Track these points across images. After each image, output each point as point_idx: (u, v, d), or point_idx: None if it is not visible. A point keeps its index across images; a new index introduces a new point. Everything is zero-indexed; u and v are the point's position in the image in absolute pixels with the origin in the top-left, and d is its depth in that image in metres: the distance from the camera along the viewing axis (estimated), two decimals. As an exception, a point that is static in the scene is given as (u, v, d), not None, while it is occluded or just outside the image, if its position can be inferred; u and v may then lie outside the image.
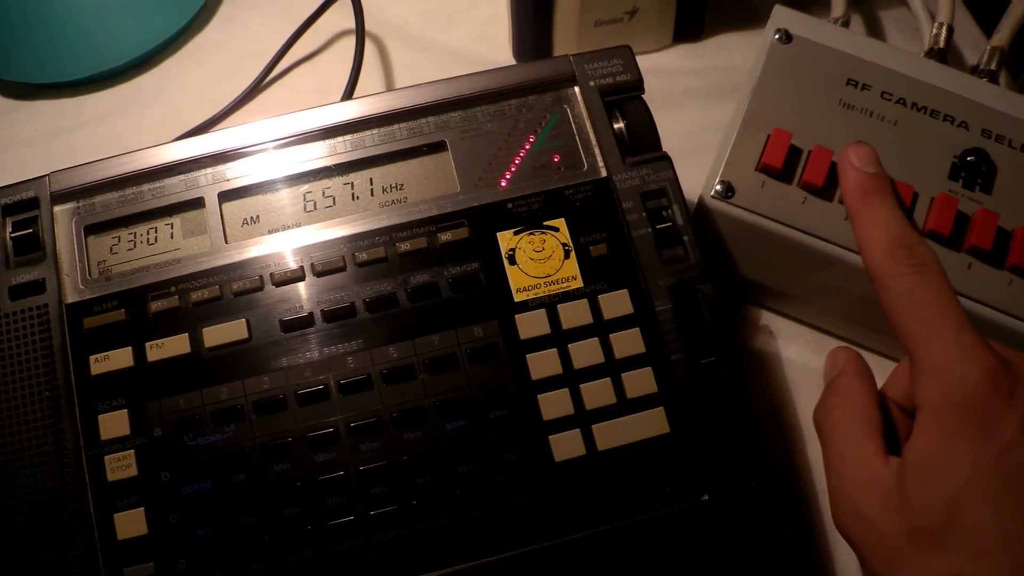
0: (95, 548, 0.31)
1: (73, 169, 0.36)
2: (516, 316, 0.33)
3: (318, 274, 0.34)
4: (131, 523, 0.31)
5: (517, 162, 0.36)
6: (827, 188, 0.36)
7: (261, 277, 0.34)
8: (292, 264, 0.34)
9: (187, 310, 0.34)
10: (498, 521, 0.31)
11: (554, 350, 0.33)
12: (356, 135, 0.36)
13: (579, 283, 0.34)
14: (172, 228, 0.35)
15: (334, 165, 0.36)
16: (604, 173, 0.36)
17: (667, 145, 0.37)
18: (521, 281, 0.34)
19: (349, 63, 0.48)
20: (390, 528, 0.31)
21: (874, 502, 0.29)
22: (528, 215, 0.35)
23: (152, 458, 0.32)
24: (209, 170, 0.36)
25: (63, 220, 0.35)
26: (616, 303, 0.34)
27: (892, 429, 0.31)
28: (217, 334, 0.33)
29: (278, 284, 0.34)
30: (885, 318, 0.30)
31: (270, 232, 0.35)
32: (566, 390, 0.33)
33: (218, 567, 0.31)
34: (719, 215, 0.38)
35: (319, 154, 0.36)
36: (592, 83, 0.37)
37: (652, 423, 0.32)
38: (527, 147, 0.36)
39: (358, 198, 0.36)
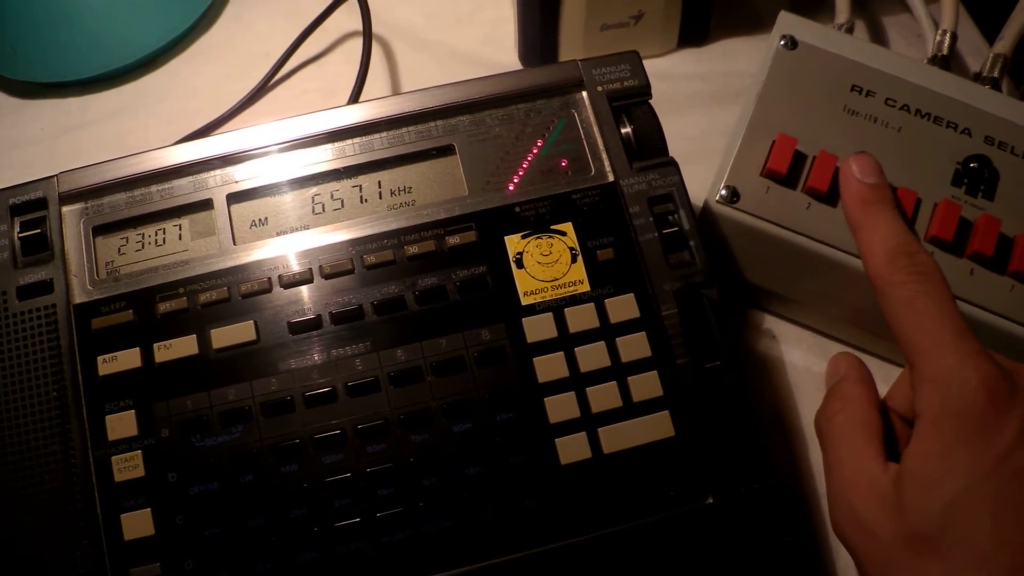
0: (102, 548, 0.31)
1: (82, 169, 0.36)
2: (523, 319, 0.34)
3: (326, 276, 0.34)
4: (138, 523, 0.31)
5: (525, 166, 0.36)
6: (831, 193, 0.37)
7: (269, 279, 0.34)
8: (300, 266, 0.34)
9: (195, 311, 0.34)
10: (504, 523, 0.32)
11: (561, 353, 0.33)
12: (365, 138, 0.37)
13: (586, 287, 0.34)
14: (180, 229, 0.35)
15: (343, 168, 0.36)
16: (611, 178, 0.36)
17: (671, 149, 0.37)
18: (528, 285, 0.34)
19: (355, 64, 0.48)
20: (397, 530, 0.31)
21: (872, 507, 0.29)
22: (536, 219, 0.35)
23: (159, 459, 0.32)
24: (218, 172, 0.36)
25: (71, 220, 0.35)
26: (623, 307, 0.34)
27: (893, 438, 0.31)
28: (225, 335, 0.33)
29: (286, 286, 0.34)
30: (887, 324, 0.30)
31: (278, 234, 0.35)
32: (572, 393, 0.33)
33: (225, 568, 0.31)
34: (724, 220, 0.38)
35: (328, 157, 0.36)
36: (600, 88, 0.37)
37: (657, 426, 0.33)
38: (535, 151, 0.37)
39: (366, 201, 0.36)
